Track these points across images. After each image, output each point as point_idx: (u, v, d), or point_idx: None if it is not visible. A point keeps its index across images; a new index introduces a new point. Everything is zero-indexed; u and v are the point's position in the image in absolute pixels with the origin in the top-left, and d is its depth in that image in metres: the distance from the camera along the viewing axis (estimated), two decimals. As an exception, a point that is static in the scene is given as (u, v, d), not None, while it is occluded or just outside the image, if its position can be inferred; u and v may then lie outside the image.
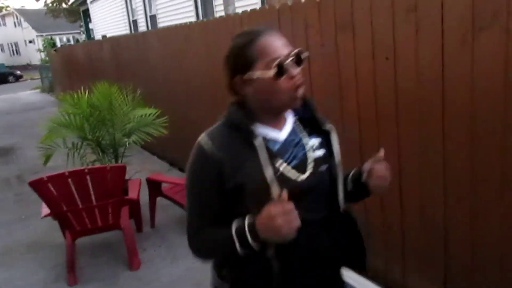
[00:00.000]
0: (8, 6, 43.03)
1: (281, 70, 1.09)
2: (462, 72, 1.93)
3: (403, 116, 2.29)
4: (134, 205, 3.67)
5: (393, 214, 2.51)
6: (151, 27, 12.17)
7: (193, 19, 9.41)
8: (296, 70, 1.11)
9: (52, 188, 2.92)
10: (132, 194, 3.46)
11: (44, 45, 22.20)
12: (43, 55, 20.89)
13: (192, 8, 9.80)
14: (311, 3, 2.67)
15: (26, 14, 40.51)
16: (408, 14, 2.11)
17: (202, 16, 9.53)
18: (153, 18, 12.21)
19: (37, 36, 36.83)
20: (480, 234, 2.07)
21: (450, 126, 2.06)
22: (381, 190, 1.24)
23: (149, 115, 4.26)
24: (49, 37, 30.48)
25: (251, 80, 1.12)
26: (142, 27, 13.04)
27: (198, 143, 1.18)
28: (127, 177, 3.59)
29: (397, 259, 2.56)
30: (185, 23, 4.58)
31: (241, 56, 1.12)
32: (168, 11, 11.00)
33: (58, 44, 27.38)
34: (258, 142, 1.12)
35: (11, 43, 43.87)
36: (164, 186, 3.96)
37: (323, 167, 1.22)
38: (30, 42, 38.65)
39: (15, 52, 43.35)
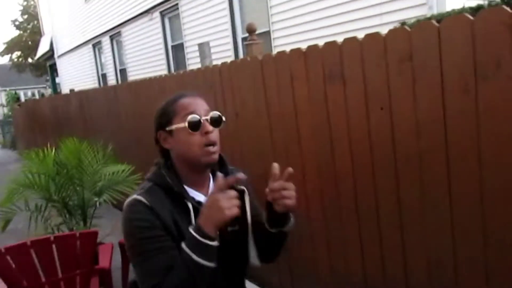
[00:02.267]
0: (-30, 61, 42.17)
1: (193, 122, 1.23)
2: (466, 122, 1.84)
3: (402, 170, 2.15)
4: (105, 274, 3.29)
5: (397, 270, 2.30)
6: (121, 81, 12.06)
7: (165, 72, 9.36)
8: (210, 127, 1.25)
9: (10, 261, 2.55)
10: (103, 263, 3.11)
11: (8, 100, 21.61)
12: (5, 109, 20.24)
13: (164, 61, 9.79)
14: (297, 53, 2.59)
15: (-11, 69, 39.71)
16: (401, 64, 2.03)
17: (174, 69, 9.50)
18: (123, 71, 12.13)
19: (0, 90, 35.97)
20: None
21: (455, 181, 1.93)
22: (290, 208, 1.27)
23: (122, 171, 3.99)
24: (13, 91, 29.83)
25: (171, 132, 1.28)
26: (111, 80, 12.92)
27: (131, 202, 1.25)
28: (97, 240, 3.24)
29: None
30: (160, 76, 4.46)
31: (164, 113, 1.30)
32: (139, 65, 10.96)
33: (23, 98, 26.76)
34: (190, 205, 1.26)
35: (-29, 98, 42.58)
36: (139, 249, 3.61)
37: (231, 228, 1.29)
38: (-7, 96, 37.64)
39: (-25, 107, 42.01)
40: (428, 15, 4.53)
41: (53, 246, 2.67)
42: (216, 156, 1.28)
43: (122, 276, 3.57)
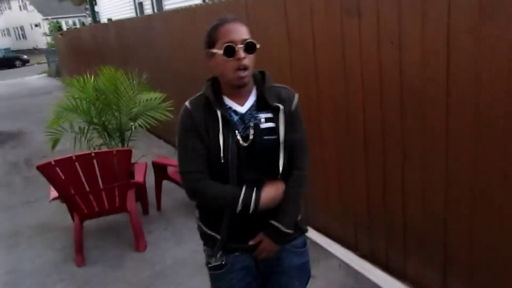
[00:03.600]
0: (13, -11, 42.79)
1: (228, 51, 1.39)
2: (467, 59, 1.92)
3: (407, 101, 2.28)
4: (140, 188, 3.72)
5: (395, 198, 2.52)
6: (157, 10, 12.09)
7: (199, 1, 9.33)
8: (243, 54, 1.40)
9: (59, 172, 2.97)
10: (138, 178, 3.51)
11: (50, 29, 22.16)
12: (49, 39, 20.83)
13: (198, -10, 9.69)
14: (317, -14, 2.64)
15: (31, -3, 40.32)
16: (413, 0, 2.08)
17: (207, -1, 9.43)
18: (159, 0, 12.11)
19: (42, 19, 36.72)
20: (478, 221, 2.09)
21: (454, 112, 2.06)
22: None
23: (155, 99, 4.28)
24: (55, 20, 30.41)
25: (212, 54, 1.45)
26: (148, 9, 12.96)
27: (184, 105, 1.53)
28: (133, 160, 3.63)
29: (398, 242, 2.59)
30: (191, 6, 4.56)
31: (209, 35, 1.46)
32: (174, -6, 10.90)
33: (64, 27, 27.29)
34: (219, 113, 1.46)
35: (17, 27, 43.81)
36: (170, 169, 4.00)
37: (270, 137, 1.49)
38: (36, 25, 38.56)
39: (21, 36, 43.33)
40: None
41: (94, 161, 3.05)
42: (246, 80, 1.45)
43: (156, 192, 4.02)
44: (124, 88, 4.17)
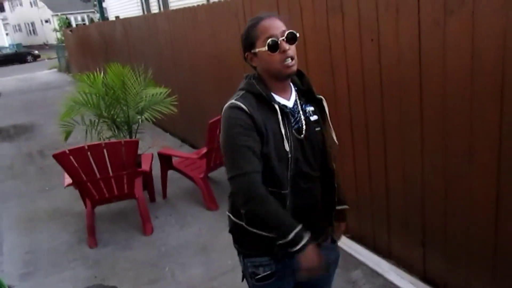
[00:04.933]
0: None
1: (272, 45, 1.41)
2: (435, 52, 2.14)
3: (386, 91, 2.50)
4: (147, 177, 3.99)
5: (379, 183, 2.75)
6: (163, 8, 12.32)
7: (204, 0, 9.54)
8: (287, 46, 1.41)
9: (73, 160, 3.24)
10: (144, 167, 3.78)
11: (60, 25, 22.51)
12: (59, 34, 21.17)
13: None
14: (306, -14, 2.86)
15: (41, -7, 40.78)
16: (389, -1, 2.30)
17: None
18: (165, -2, 12.35)
19: (52, 15, 37.18)
20: (451, 204, 2.31)
21: (426, 102, 2.28)
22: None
23: (160, 94, 4.53)
24: (64, 16, 30.79)
25: (256, 54, 1.46)
26: (154, 7, 13.19)
27: (231, 105, 1.44)
28: (140, 152, 3.89)
29: (382, 224, 2.82)
30: (192, 6, 4.79)
31: (248, 37, 1.47)
32: (179, -10, 11.12)
33: (73, 23, 27.65)
34: (277, 106, 1.46)
35: (28, 23, 44.37)
36: (175, 160, 4.26)
37: (317, 129, 1.55)
38: (46, 21, 39.06)
39: (32, 31, 43.88)
40: None
41: (104, 150, 3.32)
42: (294, 68, 1.45)
43: (162, 181, 4.28)
44: (131, 84, 4.42)
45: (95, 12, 27.32)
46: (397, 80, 2.41)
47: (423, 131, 2.35)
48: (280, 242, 1.39)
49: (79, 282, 3.05)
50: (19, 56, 28.23)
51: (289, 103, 1.51)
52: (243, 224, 1.53)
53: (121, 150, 3.39)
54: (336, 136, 1.59)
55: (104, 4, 18.34)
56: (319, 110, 1.58)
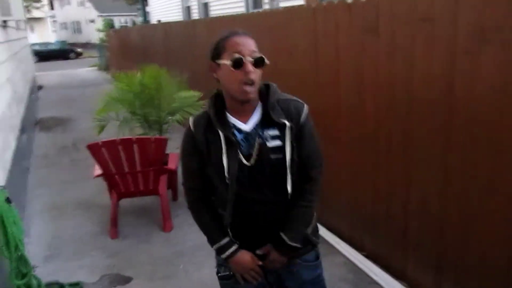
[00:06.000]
0: (73, -14, 45.27)
1: (236, 61, 1.36)
2: (467, 80, 2.15)
3: (413, 115, 2.52)
4: (172, 176, 4.11)
5: (397, 203, 2.75)
6: (203, 15, 12.65)
7: (243, 9, 9.76)
8: (251, 68, 1.36)
9: (104, 152, 3.40)
10: (171, 165, 3.90)
11: (104, 25, 23.43)
12: (101, 35, 22.02)
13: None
14: (342, 5, 2.93)
15: (89, -5, 42.55)
16: (423, 23, 2.33)
17: (252, 7, 9.86)
18: (206, 5, 12.69)
19: (97, 16, 38.67)
20: (470, 231, 2.29)
21: (454, 126, 2.28)
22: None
23: (192, 97, 4.67)
24: (109, 17, 31.97)
25: (219, 65, 1.43)
26: (194, 13, 13.55)
27: (187, 124, 1.55)
28: (168, 151, 4.02)
29: (397, 245, 2.81)
30: (231, 15, 4.94)
31: (216, 47, 1.44)
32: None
33: (116, 25, 28.65)
34: (221, 134, 1.44)
35: (74, 22, 46.27)
36: (200, 162, 4.35)
37: (273, 156, 1.44)
38: (91, 21, 40.61)
39: (76, 30, 45.67)
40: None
41: (134, 145, 3.46)
42: (251, 95, 1.39)
43: (185, 181, 4.38)
44: (166, 85, 4.59)
45: (138, 16, 28.27)
46: (425, 101, 2.42)
47: (447, 158, 2.35)
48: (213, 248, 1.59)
49: (98, 269, 3.17)
50: (63, 53, 29.40)
51: (246, 127, 1.45)
52: None
53: (151, 147, 3.52)
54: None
55: (147, 8, 19.01)
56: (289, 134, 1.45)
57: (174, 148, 4.76)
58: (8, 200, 2.37)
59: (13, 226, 2.36)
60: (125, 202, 3.95)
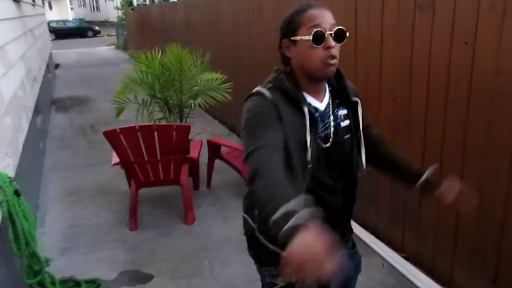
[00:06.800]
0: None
1: (318, 36, 1.22)
2: None
3: (474, 105, 2.19)
4: (194, 164, 3.87)
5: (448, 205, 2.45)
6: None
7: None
8: (333, 43, 1.24)
9: (123, 140, 3.16)
10: (193, 154, 3.66)
11: (122, 3, 23.11)
12: (120, 13, 21.76)
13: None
14: (391, -22, 2.58)
15: (107, -28, 42.12)
16: (496, -2, 1.99)
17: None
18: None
19: (116, -6, 38.36)
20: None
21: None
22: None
23: (215, 79, 4.39)
24: (127, -5, 31.62)
25: (295, 42, 1.28)
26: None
27: (257, 92, 1.31)
28: (189, 137, 3.77)
29: (446, 249, 2.53)
30: (258, -9, 4.59)
31: (290, 22, 1.28)
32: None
33: (135, 2, 28.37)
34: (306, 109, 1.27)
35: (92, 0, 46.08)
36: (223, 149, 4.12)
37: (346, 136, 1.38)
38: (109, -1, 40.34)
39: (95, 8, 45.49)
40: None
41: (155, 133, 3.21)
42: (334, 69, 1.28)
43: (208, 169, 4.16)
44: (188, 67, 4.31)
45: (157, -7, 27.87)
46: (490, 93, 2.09)
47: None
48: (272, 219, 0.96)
49: (117, 265, 2.97)
50: (80, 31, 29.35)
51: (321, 106, 1.35)
52: (255, 228, 1.45)
53: (172, 135, 3.27)
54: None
55: (166, -14, 18.61)
56: (353, 114, 1.41)
57: (195, 133, 4.53)
58: (17, 193, 2.15)
59: (24, 221, 2.15)
60: (144, 190, 3.73)
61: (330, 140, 1.34)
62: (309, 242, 0.85)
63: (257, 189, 1.08)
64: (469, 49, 2.16)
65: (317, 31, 1.22)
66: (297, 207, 0.94)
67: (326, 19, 1.25)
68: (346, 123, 1.39)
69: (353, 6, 2.96)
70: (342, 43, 1.27)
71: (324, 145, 1.33)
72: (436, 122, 2.44)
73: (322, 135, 1.33)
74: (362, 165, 1.41)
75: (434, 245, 2.63)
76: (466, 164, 2.30)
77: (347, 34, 1.27)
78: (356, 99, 1.40)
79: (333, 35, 1.24)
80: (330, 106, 1.37)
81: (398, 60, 2.65)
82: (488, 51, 2.06)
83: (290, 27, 1.28)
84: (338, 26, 1.25)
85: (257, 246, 1.45)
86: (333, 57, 1.25)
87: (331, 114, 1.36)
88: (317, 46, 1.23)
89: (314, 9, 1.26)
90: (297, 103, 1.28)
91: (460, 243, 2.44)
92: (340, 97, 1.39)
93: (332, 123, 1.35)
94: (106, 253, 3.13)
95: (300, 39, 1.26)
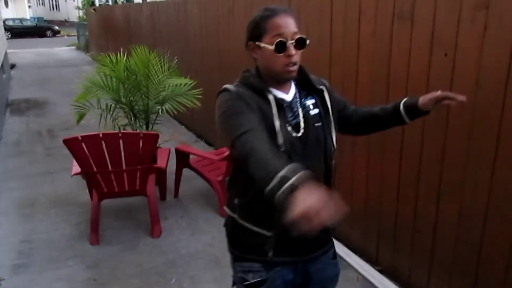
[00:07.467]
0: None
1: (280, 46, 1.32)
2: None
3: (453, 119, 2.17)
4: (161, 174, 3.68)
5: (426, 215, 2.42)
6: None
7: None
8: (293, 51, 1.33)
9: (85, 148, 2.93)
10: (161, 163, 3.47)
11: (83, 3, 22.36)
12: (81, 13, 21.03)
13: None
14: (368, -13, 2.54)
15: (68, -30, 40.71)
16: (476, 11, 1.96)
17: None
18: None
19: (76, -7, 37.11)
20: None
21: (506, 138, 1.94)
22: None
23: (184, 85, 4.22)
24: (89, -5, 30.67)
25: (259, 47, 1.37)
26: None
27: (223, 89, 1.39)
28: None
29: (423, 262, 2.49)
30: (228, -5, 4.47)
31: (257, 27, 1.37)
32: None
33: (97, 3, 27.57)
34: (270, 97, 1.37)
35: (51, -2, 44.40)
36: (192, 158, 3.95)
37: (317, 124, 1.43)
38: (70, -2, 38.99)
39: (54, 7, 43.85)
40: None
41: (120, 141, 3.01)
42: (294, 73, 1.39)
43: (175, 178, 3.98)
44: (155, 71, 4.12)
45: (120, -6, 27.19)
46: (470, 106, 2.07)
47: (495, 166, 2.01)
48: (268, 187, 1.06)
49: (76, 284, 2.75)
50: (39, 30, 28.17)
51: (287, 97, 1.43)
52: (236, 217, 1.46)
53: (139, 143, 3.08)
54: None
55: (130, -13, 18.15)
56: (321, 102, 1.48)
57: (162, 141, 4.33)
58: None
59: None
60: (107, 201, 3.50)
61: (302, 129, 1.40)
62: (309, 195, 0.98)
63: (252, 169, 1.16)
64: (449, 60, 2.13)
65: (279, 41, 1.31)
66: (289, 173, 1.06)
67: (289, 28, 1.33)
68: (315, 111, 1.45)
69: (329, 14, 2.90)
70: (302, 50, 1.36)
71: (296, 134, 1.38)
72: (415, 136, 2.41)
73: (293, 123, 1.39)
74: (334, 147, 1.47)
75: (410, 257, 2.59)
76: (445, 178, 2.27)
77: (308, 41, 1.35)
78: (321, 87, 1.48)
79: (294, 44, 1.33)
80: (298, 96, 1.45)
81: (375, 70, 2.60)
82: (469, 64, 2.04)
83: (255, 32, 1.37)
84: (299, 35, 1.33)
85: (236, 235, 1.49)
86: (294, 64, 1.35)
87: (299, 104, 1.43)
88: (279, 55, 1.33)
89: (278, 17, 1.33)
90: (262, 93, 1.37)
91: (438, 255, 2.41)
92: (306, 88, 1.48)
93: (300, 112, 1.42)
94: (65, 270, 2.89)
95: (264, 46, 1.35)
